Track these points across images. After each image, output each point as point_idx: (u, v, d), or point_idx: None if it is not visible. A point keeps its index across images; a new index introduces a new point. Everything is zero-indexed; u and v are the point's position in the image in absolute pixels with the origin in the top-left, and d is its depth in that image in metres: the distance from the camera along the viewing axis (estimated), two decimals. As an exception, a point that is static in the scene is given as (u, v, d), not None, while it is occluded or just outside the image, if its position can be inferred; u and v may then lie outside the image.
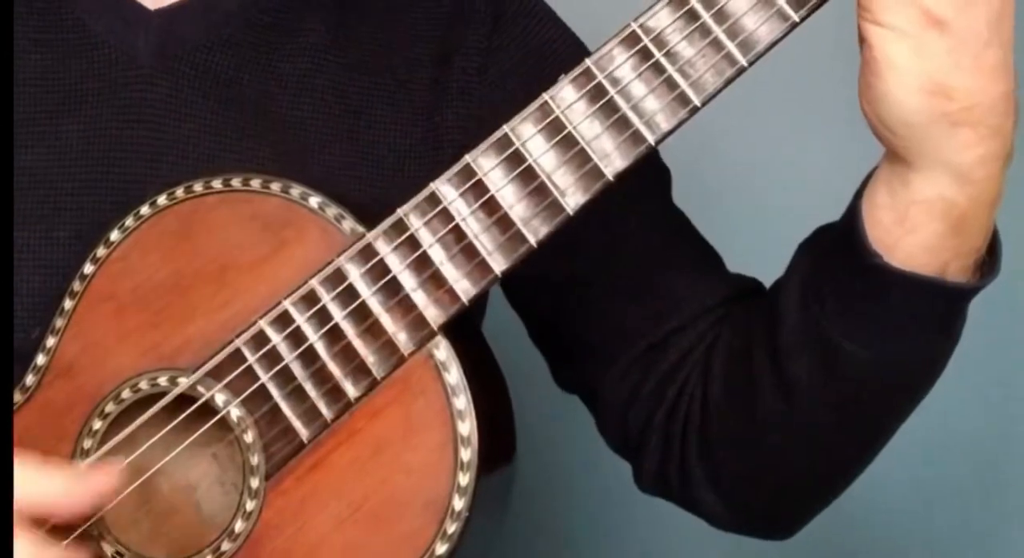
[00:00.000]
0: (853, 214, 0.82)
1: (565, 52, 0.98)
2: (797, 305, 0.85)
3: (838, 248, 0.83)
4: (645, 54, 0.79)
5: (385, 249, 0.81)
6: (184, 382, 0.82)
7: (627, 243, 0.96)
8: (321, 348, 0.81)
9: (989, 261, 0.83)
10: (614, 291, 0.95)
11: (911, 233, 0.80)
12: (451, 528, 0.79)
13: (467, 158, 0.80)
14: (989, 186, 0.79)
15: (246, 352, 0.82)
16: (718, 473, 0.92)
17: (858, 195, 0.83)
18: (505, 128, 0.80)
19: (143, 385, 0.83)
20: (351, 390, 0.81)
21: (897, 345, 0.83)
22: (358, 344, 0.81)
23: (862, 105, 0.79)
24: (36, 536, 0.77)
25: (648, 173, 0.97)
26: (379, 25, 0.98)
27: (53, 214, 0.91)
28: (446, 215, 0.80)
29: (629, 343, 0.94)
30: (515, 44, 0.98)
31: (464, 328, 0.82)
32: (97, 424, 0.83)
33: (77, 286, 0.85)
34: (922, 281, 0.81)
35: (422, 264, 0.80)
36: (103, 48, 0.95)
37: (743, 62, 0.78)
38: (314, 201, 0.83)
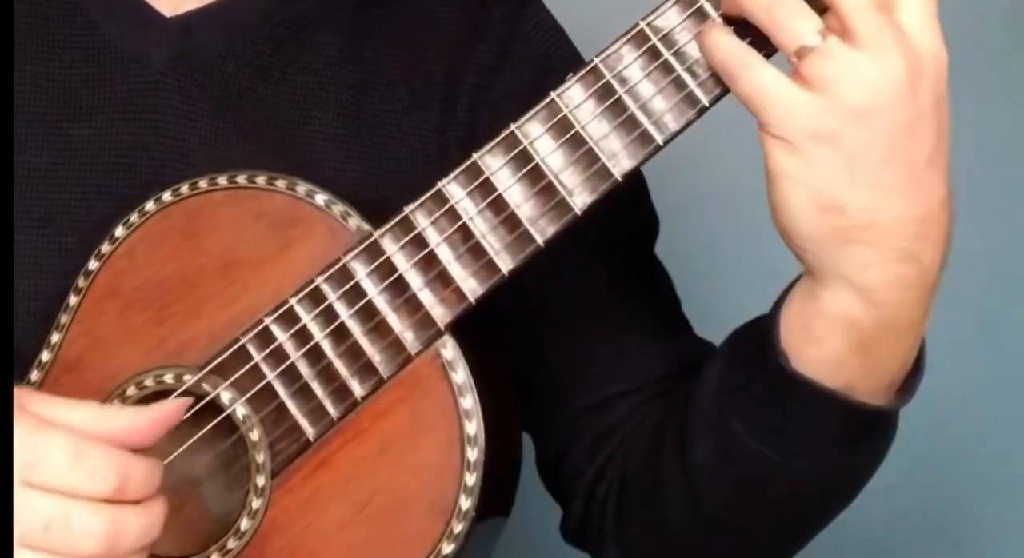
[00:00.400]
0: (773, 312, 0.80)
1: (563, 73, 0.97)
2: (711, 395, 0.83)
3: (753, 344, 0.81)
4: (654, 53, 0.78)
5: (392, 248, 0.80)
6: (190, 379, 0.82)
7: (593, 296, 0.94)
8: (327, 346, 0.81)
9: (909, 385, 0.80)
10: (569, 343, 0.94)
11: (814, 345, 0.77)
12: (457, 528, 0.79)
13: (474, 157, 0.80)
14: (901, 312, 0.76)
15: (252, 350, 0.81)
16: (628, 544, 0.91)
17: (782, 294, 0.81)
18: (512, 127, 0.79)
19: (148, 382, 0.83)
20: (357, 389, 0.81)
21: (799, 450, 0.81)
22: (364, 343, 0.80)
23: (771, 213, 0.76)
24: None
25: (634, 224, 0.97)
26: (394, 41, 0.97)
27: (62, 219, 0.91)
28: (453, 214, 0.80)
29: (572, 398, 0.93)
30: (520, 67, 0.97)
31: (472, 326, 0.82)
32: (102, 421, 0.83)
33: (82, 282, 0.85)
34: (821, 391, 0.78)
35: (429, 263, 0.80)
36: (116, 53, 0.94)
37: (752, 62, 0.78)
38: (320, 198, 0.83)
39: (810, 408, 0.79)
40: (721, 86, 0.77)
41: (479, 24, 0.98)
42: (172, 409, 0.76)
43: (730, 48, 0.74)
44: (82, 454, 0.72)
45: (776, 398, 0.80)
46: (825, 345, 0.77)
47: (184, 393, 0.82)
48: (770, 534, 0.87)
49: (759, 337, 0.80)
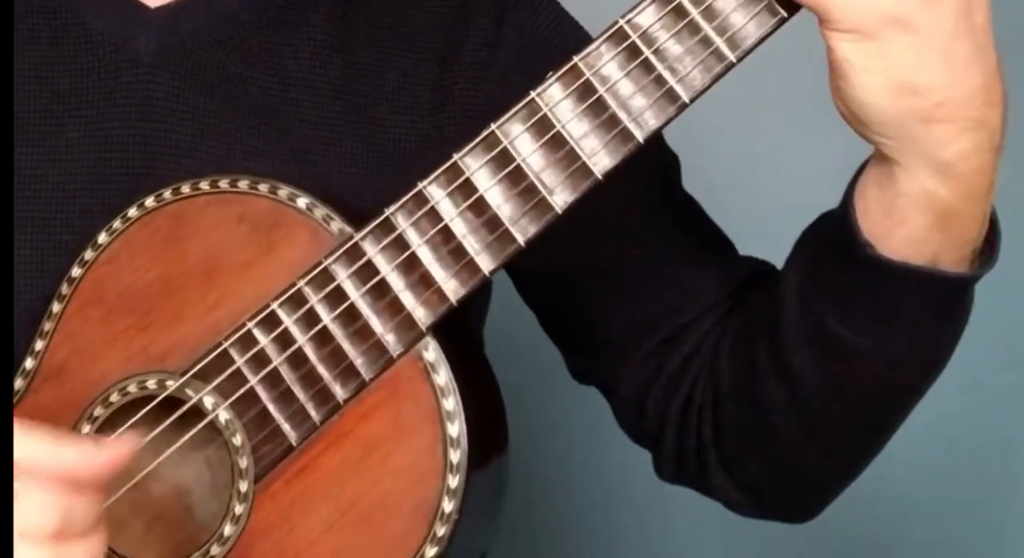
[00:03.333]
0: (846, 206, 0.82)
1: (570, 44, 0.97)
2: (797, 299, 0.85)
3: (834, 240, 0.83)
4: (633, 51, 0.78)
5: (372, 250, 0.80)
6: (172, 385, 0.82)
7: (636, 236, 0.96)
8: (309, 350, 0.80)
9: (988, 250, 0.83)
10: (625, 286, 0.95)
11: (899, 225, 0.80)
12: (440, 531, 0.78)
13: (455, 157, 0.79)
14: (977, 179, 0.78)
15: (234, 354, 0.81)
16: (732, 463, 0.92)
17: (850, 187, 0.82)
18: (492, 126, 0.79)
19: (132, 388, 0.83)
20: (340, 392, 0.80)
21: (896, 333, 0.83)
22: (347, 346, 0.80)
23: (836, 104, 0.78)
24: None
25: (655, 162, 0.97)
26: (384, 23, 0.97)
27: (56, 217, 0.90)
28: (434, 215, 0.80)
29: (642, 337, 0.94)
30: (520, 39, 0.97)
31: (454, 327, 0.82)
32: (86, 428, 0.83)
33: (65, 289, 0.85)
34: (912, 270, 0.80)
35: (410, 264, 0.80)
36: (103, 47, 0.94)
37: (732, 58, 0.78)
38: (302, 202, 0.82)
39: (901, 290, 0.81)
40: (701, 82, 0.77)
41: (469, 1, 0.98)
42: (124, 449, 0.75)
43: None
44: (22, 494, 0.72)
45: (867, 287, 0.82)
46: (909, 224, 0.79)
47: (167, 398, 0.81)
48: (870, 424, 0.89)
49: (837, 232, 0.82)
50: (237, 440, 0.81)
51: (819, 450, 0.89)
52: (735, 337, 0.91)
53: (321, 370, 0.80)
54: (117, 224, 0.85)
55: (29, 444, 0.73)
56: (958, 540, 1.62)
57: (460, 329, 0.81)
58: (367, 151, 0.94)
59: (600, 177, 0.78)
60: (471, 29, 0.97)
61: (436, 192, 0.79)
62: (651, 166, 0.94)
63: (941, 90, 0.75)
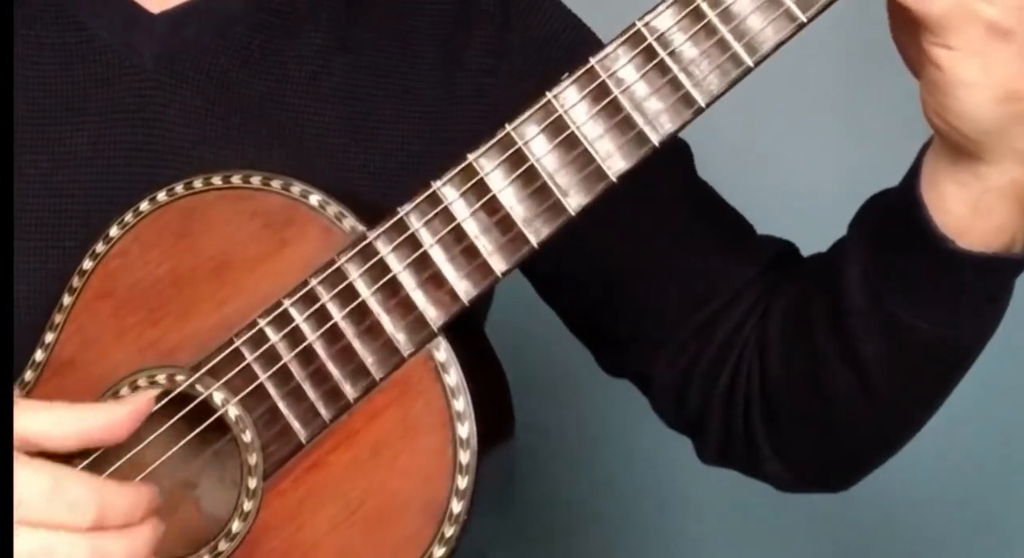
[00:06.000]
0: (914, 204, 0.83)
1: (576, 44, 0.97)
2: (863, 291, 0.86)
3: (903, 237, 0.84)
4: (650, 54, 0.78)
5: (385, 249, 0.80)
6: (182, 380, 0.82)
7: (656, 229, 0.96)
8: (320, 348, 0.80)
9: None
10: (652, 277, 0.96)
11: (985, 218, 0.82)
12: (449, 531, 0.78)
13: (469, 158, 0.79)
14: None
15: (244, 351, 0.81)
16: (785, 443, 0.94)
17: (912, 185, 0.84)
18: (508, 128, 0.79)
19: (141, 382, 0.83)
20: (350, 391, 0.80)
21: (972, 320, 0.86)
22: (357, 344, 0.80)
23: (930, 118, 0.80)
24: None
25: (668, 152, 0.96)
26: (386, 26, 0.97)
27: (60, 222, 0.90)
28: (447, 215, 0.79)
29: (675, 327, 0.95)
30: (527, 42, 0.97)
31: (465, 328, 0.81)
32: (95, 421, 0.83)
33: (76, 282, 0.85)
34: (993, 259, 0.82)
35: (422, 264, 0.80)
36: (106, 52, 0.94)
37: (749, 63, 0.77)
38: (314, 199, 0.82)
39: (983, 279, 0.83)
40: (717, 86, 0.77)
41: (471, 5, 0.98)
42: (144, 400, 0.77)
43: None
44: (59, 488, 0.72)
45: (949, 281, 0.84)
46: (995, 215, 0.81)
47: (177, 394, 0.81)
48: (930, 400, 0.91)
49: (906, 230, 0.84)
50: (247, 437, 0.81)
51: (877, 426, 0.92)
52: (785, 323, 0.92)
53: (331, 368, 0.80)
54: (129, 218, 0.85)
55: (53, 415, 0.75)
56: (964, 539, 1.62)
57: (471, 329, 0.81)
58: (371, 155, 0.94)
59: (614, 179, 0.78)
60: (475, 34, 0.97)
61: (450, 192, 0.79)
62: (665, 157, 0.94)
63: None
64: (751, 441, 0.95)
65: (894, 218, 0.85)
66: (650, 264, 0.96)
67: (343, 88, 0.94)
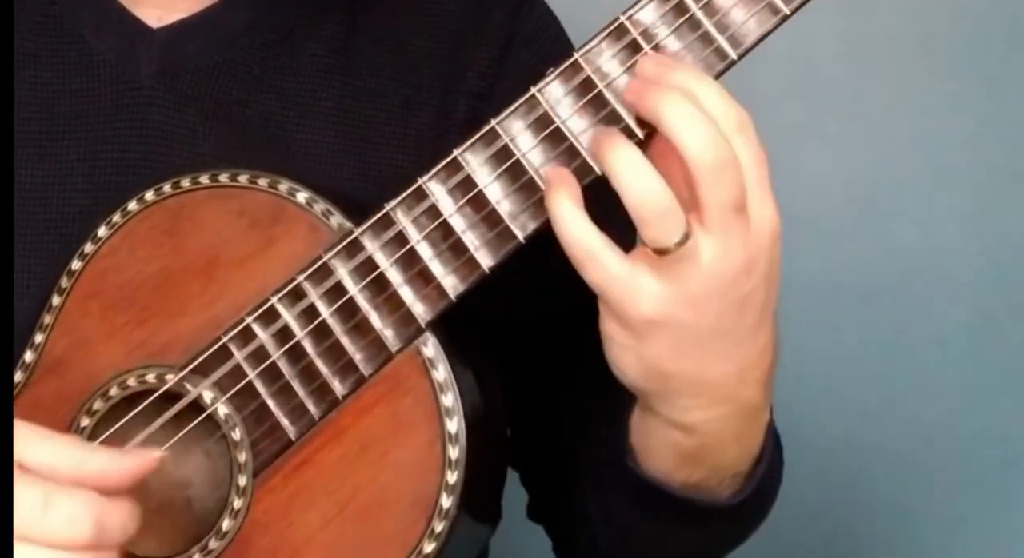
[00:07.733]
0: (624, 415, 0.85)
1: None
2: (602, 456, 0.88)
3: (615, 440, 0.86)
4: (634, 47, 0.78)
5: (372, 245, 0.80)
6: (171, 379, 0.82)
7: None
8: (308, 345, 0.80)
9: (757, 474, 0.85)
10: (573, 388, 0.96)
11: (653, 456, 0.83)
12: (439, 527, 0.78)
13: (455, 153, 0.79)
14: (722, 436, 0.80)
15: (233, 349, 0.81)
16: None
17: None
18: (493, 122, 0.79)
19: (131, 382, 0.83)
20: (338, 387, 0.80)
21: (677, 526, 0.86)
22: (345, 341, 0.80)
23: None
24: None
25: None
26: (387, 48, 0.96)
27: (56, 238, 0.90)
28: (433, 211, 0.79)
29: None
30: (520, 71, 0.96)
31: (452, 324, 0.82)
32: (85, 421, 0.83)
33: (65, 282, 0.85)
34: (663, 492, 0.83)
35: (410, 260, 0.80)
36: (104, 67, 0.93)
37: (733, 56, 0.78)
38: (301, 197, 0.82)
39: (664, 503, 0.84)
40: None
41: (477, 27, 0.98)
42: (147, 461, 0.75)
43: (582, 238, 0.75)
44: (52, 503, 0.71)
45: (626, 492, 0.85)
46: (660, 457, 0.82)
47: (166, 392, 0.81)
48: None
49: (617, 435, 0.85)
50: (236, 434, 0.81)
51: None
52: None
53: (320, 365, 0.80)
54: (117, 218, 0.85)
55: (59, 450, 0.74)
56: (951, 537, 1.63)
57: (459, 325, 0.81)
58: (368, 176, 0.93)
59: (600, 172, 0.78)
60: (476, 57, 0.97)
61: (436, 188, 0.79)
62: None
63: (691, 376, 0.77)
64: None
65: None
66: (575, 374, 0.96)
67: (342, 109, 0.94)
